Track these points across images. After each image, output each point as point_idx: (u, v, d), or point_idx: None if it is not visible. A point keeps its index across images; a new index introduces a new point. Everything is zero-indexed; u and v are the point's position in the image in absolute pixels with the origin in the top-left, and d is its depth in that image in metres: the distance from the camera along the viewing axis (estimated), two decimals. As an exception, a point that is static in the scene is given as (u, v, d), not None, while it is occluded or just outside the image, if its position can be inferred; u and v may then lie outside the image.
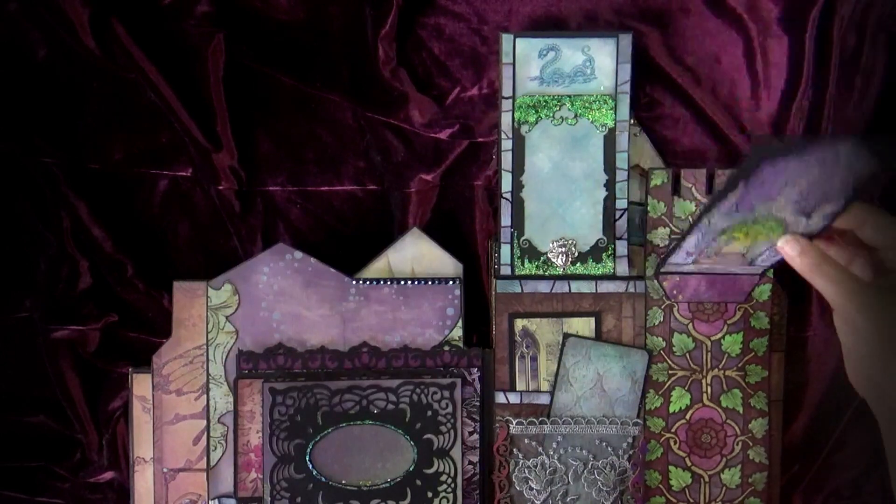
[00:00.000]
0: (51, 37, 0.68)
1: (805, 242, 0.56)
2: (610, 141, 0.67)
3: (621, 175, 0.67)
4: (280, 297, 0.68)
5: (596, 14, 0.68)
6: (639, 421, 0.68)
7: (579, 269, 0.68)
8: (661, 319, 0.69)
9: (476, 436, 0.69)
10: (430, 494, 0.68)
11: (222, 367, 0.68)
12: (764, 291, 0.68)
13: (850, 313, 0.53)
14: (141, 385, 0.68)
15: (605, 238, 0.68)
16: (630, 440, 0.69)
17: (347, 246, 0.71)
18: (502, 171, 0.67)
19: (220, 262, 0.69)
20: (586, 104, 0.67)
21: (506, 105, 0.67)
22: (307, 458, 0.67)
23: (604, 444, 0.69)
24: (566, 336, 0.68)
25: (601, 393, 0.69)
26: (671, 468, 0.70)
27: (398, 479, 0.67)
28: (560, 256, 0.68)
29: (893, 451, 0.54)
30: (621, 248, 0.68)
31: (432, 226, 0.70)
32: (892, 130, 0.69)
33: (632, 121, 0.67)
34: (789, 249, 0.56)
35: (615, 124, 0.67)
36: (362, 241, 0.71)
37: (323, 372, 0.68)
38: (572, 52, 0.66)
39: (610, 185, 0.67)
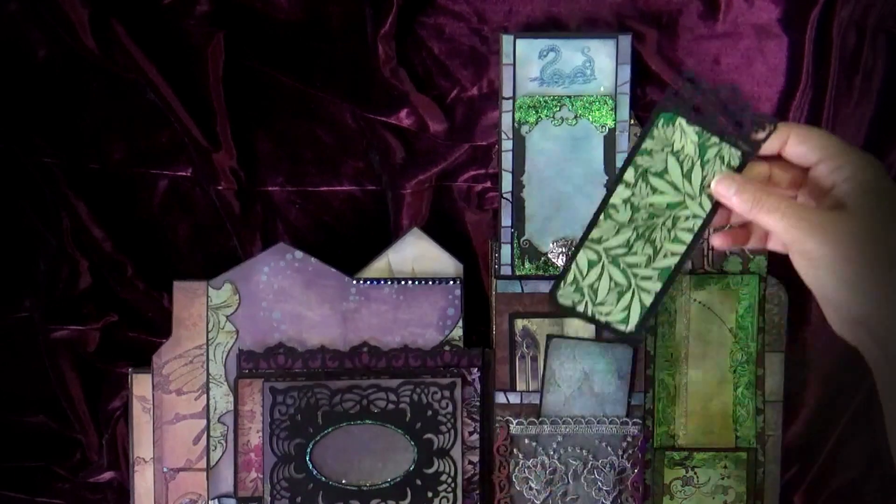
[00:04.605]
0: (51, 37, 0.68)
1: (740, 179, 0.49)
2: (610, 141, 0.67)
3: (621, 175, 0.67)
4: (280, 296, 0.68)
5: (595, 15, 0.68)
6: (638, 420, 0.68)
7: (579, 269, 0.68)
8: None
9: (476, 436, 0.69)
10: (430, 494, 0.68)
11: (222, 367, 0.68)
12: None
13: (803, 242, 0.46)
14: (141, 385, 0.68)
15: (605, 238, 0.68)
16: (629, 439, 0.69)
17: (347, 246, 0.71)
18: (502, 171, 0.67)
19: (220, 262, 0.69)
20: (586, 105, 0.67)
21: (506, 105, 0.67)
22: (307, 458, 0.67)
23: (603, 443, 0.69)
24: (549, 337, 0.68)
25: (589, 391, 0.68)
26: None
27: (398, 479, 0.67)
28: (560, 257, 0.68)
29: (889, 399, 0.46)
30: (621, 248, 0.68)
31: (432, 226, 0.70)
32: (893, 130, 0.69)
33: (632, 121, 0.67)
34: (723, 189, 0.49)
35: (615, 124, 0.67)
36: (362, 241, 0.71)
37: (323, 372, 0.68)
38: (572, 53, 0.66)
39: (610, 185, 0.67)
